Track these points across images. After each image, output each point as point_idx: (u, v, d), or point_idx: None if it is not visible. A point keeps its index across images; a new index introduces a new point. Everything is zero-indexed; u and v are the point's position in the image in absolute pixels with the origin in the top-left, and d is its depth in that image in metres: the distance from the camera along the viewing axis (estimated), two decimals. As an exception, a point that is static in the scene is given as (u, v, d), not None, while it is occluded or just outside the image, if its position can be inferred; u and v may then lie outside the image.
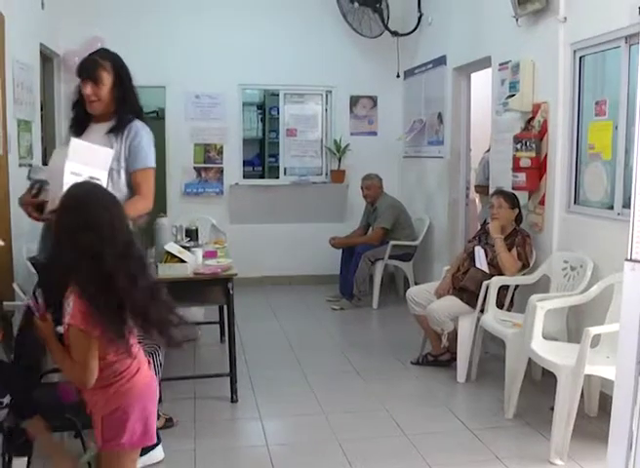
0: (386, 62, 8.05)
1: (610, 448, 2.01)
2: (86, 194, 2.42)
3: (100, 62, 3.72)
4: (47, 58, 6.93)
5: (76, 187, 2.50)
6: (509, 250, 4.82)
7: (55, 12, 6.81)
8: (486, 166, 6.53)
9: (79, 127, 3.78)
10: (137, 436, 2.42)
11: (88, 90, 3.66)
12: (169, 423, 4.03)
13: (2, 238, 4.02)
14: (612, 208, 4.35)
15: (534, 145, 4.94)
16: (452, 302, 4.90)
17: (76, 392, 2.61)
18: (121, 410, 2.38)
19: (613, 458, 1.98)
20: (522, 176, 5.03)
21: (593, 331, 3.53)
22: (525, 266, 4.85)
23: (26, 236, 5.44)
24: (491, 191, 5.55)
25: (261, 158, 9.85)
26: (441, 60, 6.99)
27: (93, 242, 2.26)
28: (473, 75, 6.73)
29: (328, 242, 7.42)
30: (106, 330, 2.26)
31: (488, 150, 6.50)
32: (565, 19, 4.67)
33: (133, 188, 3.63)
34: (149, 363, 2.58)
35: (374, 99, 8.35)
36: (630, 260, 1.94)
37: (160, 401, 4.14)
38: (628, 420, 1.91)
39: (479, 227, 6.40)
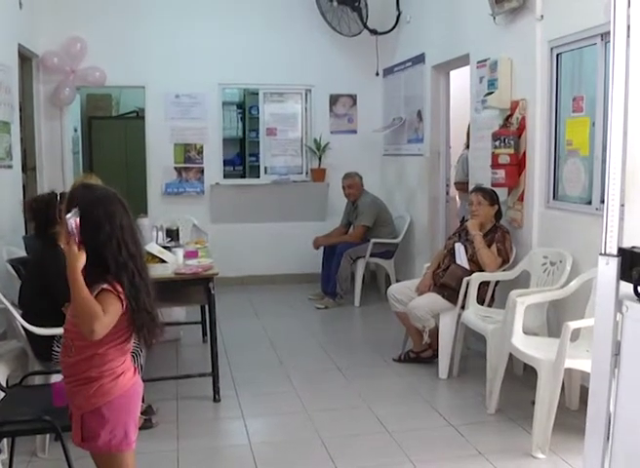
0: (366, 61, 8.08)
1: (587, 441, 2.03)
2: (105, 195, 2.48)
3: None
4: (25, 58, 6.86)
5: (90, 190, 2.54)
6: (489, 246, 4.85)
7: (33, 12, 6.77)
8: (465, 162, 6.57)
9: None
10: (115, 441, 2.40)
11: None
12: (148, 424, 4.02)
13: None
14: (590, 203, 4.39)
15: (512, 142, 4.97)
16: (433, 299, 4.93)
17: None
18: (101, 411, 2.36)
19: (589, 450, 2.00)
20: (501, 173, 5.06)
21: (572, 325, 3.55)
22: (505, 262, 4.88)
23: (6, 237, 5.41)
24: (470, 188, 5.57)
25: (242, 157, 9.85)
26: (420, 58, 7.02)
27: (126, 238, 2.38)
28: (452, 73, 6.76)
29: (310, 241, 7.43)
30: (134, 321, 2.37)
31: (467, 147, 6.53)
32: (542, 16, 4.71)
33: None
34: (135, 370, 2.57)
35: (353, 98, 8.37)
36: (604, 255, 1.95)
37: (142, 401, 4.16)
38: (605, 412, 1.93)
39: (459, 224, 6.46)
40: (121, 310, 2.33)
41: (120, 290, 2.32)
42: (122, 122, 9.66)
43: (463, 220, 5.27)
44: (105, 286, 2.30)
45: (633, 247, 1.92)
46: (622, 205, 1.97)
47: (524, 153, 4.98)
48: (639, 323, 1.89)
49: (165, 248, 4.70)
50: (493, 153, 5.12)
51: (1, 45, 5.72)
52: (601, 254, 1.96)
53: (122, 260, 2.34)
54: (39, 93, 7.29)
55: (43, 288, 3.66)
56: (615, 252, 1.94)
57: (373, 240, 7.09)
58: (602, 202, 4.21)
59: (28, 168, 6.92)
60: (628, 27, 1.92)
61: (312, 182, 8.31)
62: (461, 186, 6.70)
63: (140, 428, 3.90)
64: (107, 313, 2.27)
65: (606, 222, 1.95)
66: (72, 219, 2.27)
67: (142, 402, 4.10)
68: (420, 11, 7.07)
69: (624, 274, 1.92)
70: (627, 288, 1.91)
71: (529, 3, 4.80)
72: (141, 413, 4.03)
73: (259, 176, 8.45)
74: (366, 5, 7.66)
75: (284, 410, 4.36)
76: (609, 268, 1.94)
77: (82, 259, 2.27)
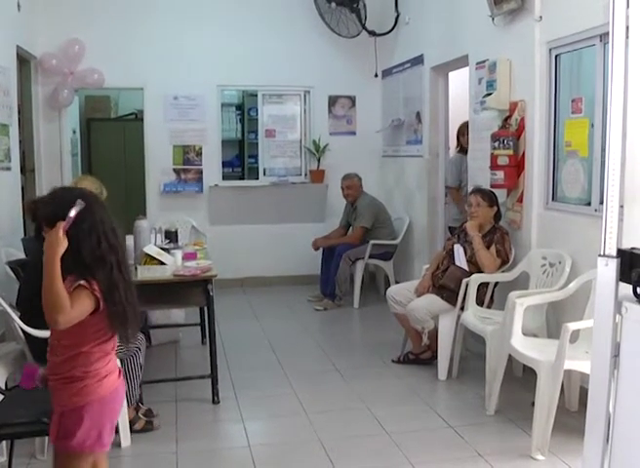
0: (364, 62, 8.08)
1: (586, 442, 2.02)
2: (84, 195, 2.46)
3: None
4: (24, 60, 6.86)
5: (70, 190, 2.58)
6: (488, 247, 4.85)
7: (31, 13, 6.77)
8: (454, 166, 6.54)
9: None
10: (89, 441, 2.41)
11: None
12: (149, 426, 4.02)
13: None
14: (589, 204, 4.39)
15: (511, 143, 4.97)
16: (432, 300, 4.92)
17: (39, 380, 2.61)
18: (80, 411, 2.38)
19: (589, 452, 2.00)
20: (500, 174, 5.06)
21: (572, 326, 3.55)
22: (504, 263, 4.87)
23: (5, 239, 5.41)
24: (469, 189, 5.57)
25: (241, 159, 9.85)
26: (419, 60, 7.02)
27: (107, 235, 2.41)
28: (451, 74, 6.76)
29: (309, 242, 7.43)
30: (112, 318, 2.38)
31: (460, 150, 6.49)
32: (540, 17, 4.71)
33: None
34: (120, 372, 2.58)
35: (352, 99, 8.36)
36: (604, 256, 1.95)
37: (142, 403, 4.16)
38: (604, 414, 1.93)
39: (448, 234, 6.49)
40: (92, 307, 2.34)
41: (96, 287, 2.34)
42: (121, 124, 9.67)
43: (451, 229, 5.23)
44: (82, 282, 2.32)
45: (633, 248, 1.92)
46: (622, 206, 1.97)
47: (523, 154, 4.98)
48: (639, 324, 1.88)
49: (163, 249, 4.69)
50: (492, 154, 5.11)
51: (-1, 47, 5.72)
52: (600, 256, 1.96)
53: (99, 253, 2.36)
54: (37, 94, 7.28)
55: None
56: (614, 253, 1.94)
57: (372, 241, 7.09)
58: (601, 203, 4.19)
59: (27, 170, 6.91)
60: (627, 28, 1.92)
61: (311, 184, 8.31)
62: (451, 190, 6.68)
63: (140, 431, 3.95)
64: (75, 307, 2.28)
65: (605, 223, 1.95)
66: (75, 209, 2.31)
67: (142, 403, 4.13)
68: (418, 12, 7.07)
69: (624, 275, 1.91)
70: (627, 289, 1.91)
71: (528, 4, 4.80)
72: (137, 410, 4.05)
73: (257, 178, 8.45)
74: (364, 6, 7.66)
75: (283, 412, 4.35)
76: (608, 269, 1.93)
77: (64, 245, 2.28)
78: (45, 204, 2.45)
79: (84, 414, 2.38)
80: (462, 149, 6.37)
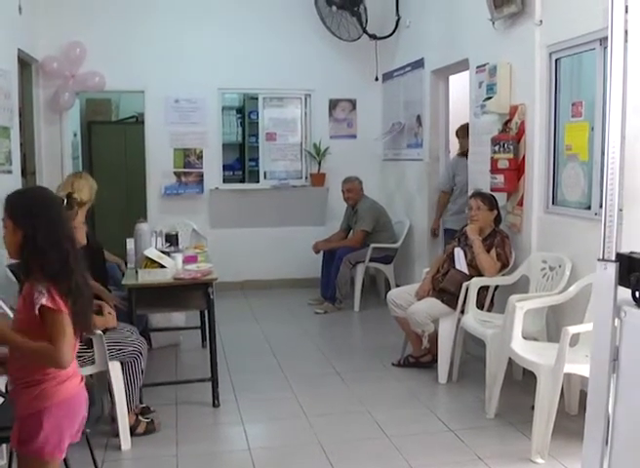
0: (365, 66, 8.09)
1: (585, 445, 2.02)
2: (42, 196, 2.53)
3: None
4: (25, 63, 6.87)
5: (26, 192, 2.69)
6: (488, 251, 4.85)
7: (33, 17, 6.78)
8: (448, 168, 6.55)
9: None
10: (49, 447, 2.41)
11: None
12: (150, 427, 4.02)
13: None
14: (589, 208, 4.39)
15: (511, 147, 4.97)
16: (432, 304, 4.92)
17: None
18: (39, 415, 2.38)
19: (588, 454, 2.00)
20: (500, 178, 5.06)
21: (572, 330, 3.56)
22: (504, 267, 4.87)
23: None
24: (469, 192, 5.57)
25: (241, 162, 9.84)
26: (419, 63, 7.03)
27: (58, 231, 2.43)
28: (451, 78, 6.77)
29: (309, 245, 7.43)
30: (75, 315, 2.39)
31: (460, 153, 6.49)
32: (541, 21, 4.71)
33: None
34: (82, 378, 2.60)
35: (353, 103, 8.37)
36: (602, 260, 1.95)
37: (148, 409, 4.15)
38: (603, 417, 1.93)
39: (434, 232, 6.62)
40: (67, 321, 2.35)
41: (56, 297, 2.34)
42: (121, 127, 9.67)
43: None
44: (44, 301, 2.31)
45: (631, 252, 1.92)
46: (621, 210, 1.98)
47: (523, 158, 4.98)
48: (637, 328, 1.89)
49: (164, 253, 4.70)
50: (492, 158, 5.12)
51: (1, 50, 5.71)
52: (599, 260, 1.96)
53: (55, 238, 2.39)
54: (39, 98, 7.29)
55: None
56: (613, 257, 1.94)
57: (372, 245, 7.09)
58: (601, 207, 4.20)
59: (28, 172, 6.91)
60: (626, 32, 1.93)
61: (312, 187, 8.31)
62: (442, 195, 6.69)
63: (144, 433, 3.95)
64: (59, 340, 2.32)
65: (604, 228, 1.96)
66: None
67: (142, 402, 4.12)
68: (419, 16, 7.08)
69: (623, 279, 1.92)
70: (626, 293, 1.91)
71: (528, 8, 4.80)
72: (140, 414, 4.04)
73: (258, 181, 8.46)
74: (365, 10, 7.67)
75: (283, 415, 4.36)
76: (607, 273, 1.94)
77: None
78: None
79: (43, 419, 2.38)
80: (463, 152, 6.38)
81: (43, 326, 2.33)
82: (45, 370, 2.40)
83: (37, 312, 2.31)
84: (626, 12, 1.91)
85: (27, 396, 2.40)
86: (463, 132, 6.29)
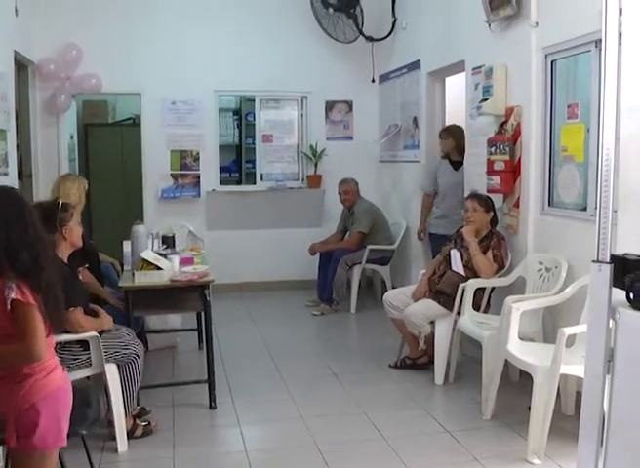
0: (361, 67, 8.10)
1: (580, 445, 2.03)
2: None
3: None
4: (21, 65, 6.86)
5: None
6: (484, 252, 4.86)
7: (29, 19, 6.77)
8: (432, 172, 6.50)
9: None
10: (50, 436, 2.44)
11: None
12: (148, 429, 4.02)
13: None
14: (585, 209, 4.40)
15: (507, 148, 4.98)
16: (429, 305, 4.93)
17: None
18: (36, 407, 2.41)
19: (583, 455, 2.01)
20: (496, 179, 5.07)
21: (568, 331, 3.56)
22: (500, 268, 4.88)
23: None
24: (466, 194, 5.58)
25: (238, 164, 9.85)
26: (415, 65, 7.04)
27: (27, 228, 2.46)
28: (447, 79, 6.78)
29: (306, 247, 7.43)
30: (46, 310, 2.42)
31: (443, 155, 6.45)
32: (536, 24, 4.72)
33: None
34: (63, 368, 2.63)
35: (349, 104, 8.38)
36: (597, 262, 1.96)
37: (143, 409, 4.15)
38: (598, 417, 1.94)
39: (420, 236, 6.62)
40: (38, 314, 2.39)
41: (27, 291, 2.37)
42: (118, 129, 9.65)
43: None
44: (14, 295, 2.34)
45: (626, 254, 1.93)
46: (615, 211, 1.98)
47: (519, 159, 4.99)
48: (632, 329, 1.89)
49: (160, 255, 4.70)
50: (488, 159, 5.13)
51: (-3, 52, 5.72)
52: (594, 261, 1.97)
53: (26, 238, 2.43)
54: (35, 100, 7.28)
55: None
56: (607, 258, 1.95)
57: (369, 246, 7.09)
58: (597, 208, 4.22)
59: (24, 175, 6.91)
60: (620, 35, 1.93)
61: (308, 189, 8.32)
62: (426, 197, 6.66)
63: (142, 435, 3.95)
64: (34, 330, 2.37)
65: (598, 229, 1.96)
66: None
67: (138, 404, 4.12)
68: (415, 17, 7.09)
69: (617, 281, 1.93)
70: (620, 294, 1.92)
71: (524, 10, 4.81)
72: (136, 416, 4.04)
73: (255, 183, 8.46)
74: (361, 11, 7.67)
75: (280, 417, 4.35)
76: (602, 275, 1.94)
77: None
78: None
79: (40, 410, 2.41)
80: (446, 154, 6.34)
81: (15, 321, 2.37)
82: (32, 364, 2.43)
83: (9, 307, 2.33)
84: (620, 14, 1.92)
85: (20, 391, 2.42)
86: (446, 134, 6.26)
